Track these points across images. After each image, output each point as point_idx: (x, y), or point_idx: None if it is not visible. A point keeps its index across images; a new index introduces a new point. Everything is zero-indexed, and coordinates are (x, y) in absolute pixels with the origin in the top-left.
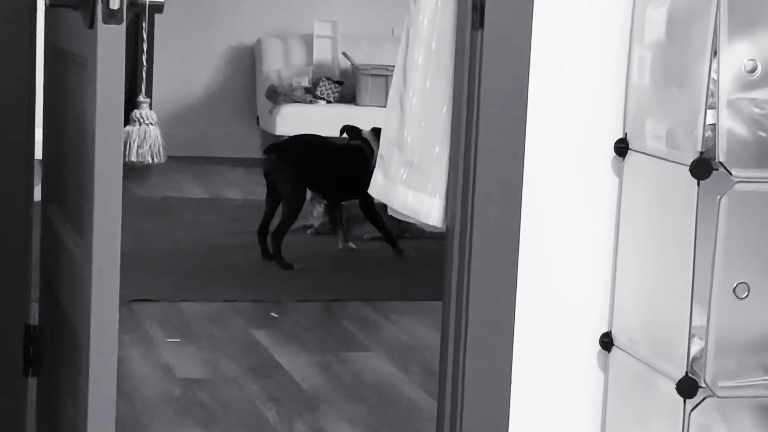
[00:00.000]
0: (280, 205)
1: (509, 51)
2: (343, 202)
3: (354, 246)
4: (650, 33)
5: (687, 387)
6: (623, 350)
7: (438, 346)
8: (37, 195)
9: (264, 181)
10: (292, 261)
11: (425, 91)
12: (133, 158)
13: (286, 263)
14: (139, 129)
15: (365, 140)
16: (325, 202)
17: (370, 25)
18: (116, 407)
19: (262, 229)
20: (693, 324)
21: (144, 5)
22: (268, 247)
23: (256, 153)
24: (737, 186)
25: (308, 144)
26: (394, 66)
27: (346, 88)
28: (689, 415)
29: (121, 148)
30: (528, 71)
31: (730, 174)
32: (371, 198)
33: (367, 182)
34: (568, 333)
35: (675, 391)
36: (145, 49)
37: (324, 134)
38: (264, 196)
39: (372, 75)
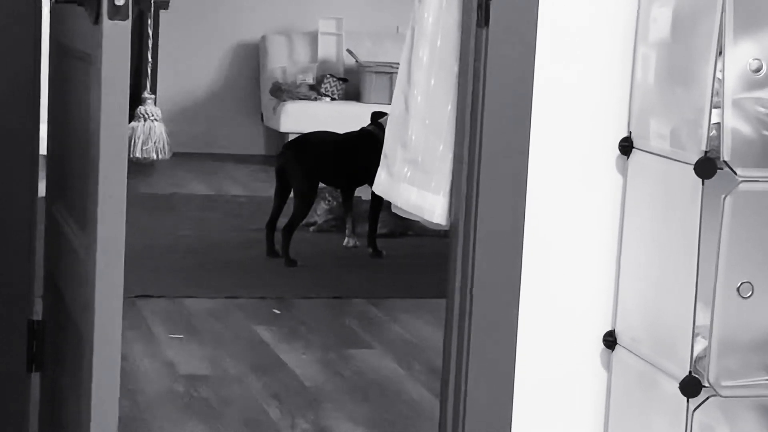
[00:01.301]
0: (288, 202)
1: (514, 49)
2: (356, 191)
3: (359, 243)
4: (655, 32)
5: (690, 386)
6: (626, 349)
7: (441, 343)
8: (42, 191)
9: (268, 178)
10: (295, 258)
11: (430, 89)
12: (138, 154)
13: (291, 260)
14: (143, 125)
15: (379, 124)
16: (330, 199)
17: (374, 23)
18: (119, 403)
19: (271, 225)
20: (696, 323)
21: (149, 2)
22: (275, 243)
23: (261, 150)
24: (742, 185)
25: (321, 140)
26: (398, 63)
27: (350, 85)
28: (692, 414)
29: (126, 144)
30: (533, 69)
31: (735, 173)
32: None
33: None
34: (571, 331)
35: (678, 390)
36: (150, 46)
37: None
38: (268, 193)
39: (376, 72)
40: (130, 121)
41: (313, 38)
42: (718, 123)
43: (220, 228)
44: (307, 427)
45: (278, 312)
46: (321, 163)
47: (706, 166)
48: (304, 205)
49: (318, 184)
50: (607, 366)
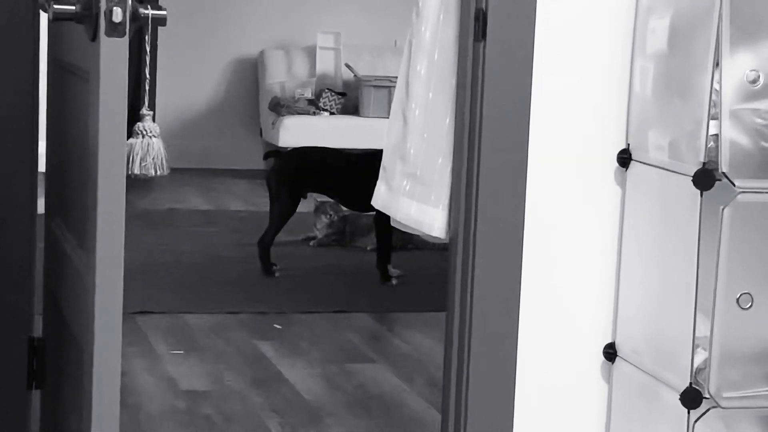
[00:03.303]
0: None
1: (511, 62)
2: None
3: (401, 273)
4: (653, 44)
5: (691, 398)
6: (627, 361)
7: (442, 357)
8: (41, 208)
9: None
10: (296, 272)
11: (428, 102)
12: (136, 171)
13: (269, 267)
14: (142, 141)
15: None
16: (331, 213)
17: (372, 37)
18: (119, 420)
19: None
20: (696, 335)
21: (147, 18)
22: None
23: (259, 164)
24: (740, 196)
25: (303, 154)
26: (396, 77)
27: (349, 99)
28: (693, 426)
29: (124, 160)
30: (530, 82)
31: (733, 184)
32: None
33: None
34: (571, 344)
35: (679, 402)
36: (148, 62)
37: (327, 146)
38: (268, 208)
39: (375, 86)
40: (128, 138)
41: (311, 53)
42: (716, 134)
43: (219, 243)
44: None
45: (279, 327)
46: (298, 176)
47: (705, 178)
48: (272, 216)
49: (298, 199)
50: (608, 378)
